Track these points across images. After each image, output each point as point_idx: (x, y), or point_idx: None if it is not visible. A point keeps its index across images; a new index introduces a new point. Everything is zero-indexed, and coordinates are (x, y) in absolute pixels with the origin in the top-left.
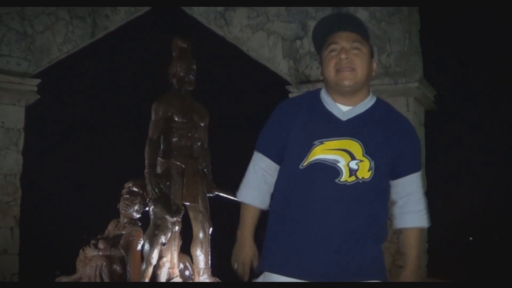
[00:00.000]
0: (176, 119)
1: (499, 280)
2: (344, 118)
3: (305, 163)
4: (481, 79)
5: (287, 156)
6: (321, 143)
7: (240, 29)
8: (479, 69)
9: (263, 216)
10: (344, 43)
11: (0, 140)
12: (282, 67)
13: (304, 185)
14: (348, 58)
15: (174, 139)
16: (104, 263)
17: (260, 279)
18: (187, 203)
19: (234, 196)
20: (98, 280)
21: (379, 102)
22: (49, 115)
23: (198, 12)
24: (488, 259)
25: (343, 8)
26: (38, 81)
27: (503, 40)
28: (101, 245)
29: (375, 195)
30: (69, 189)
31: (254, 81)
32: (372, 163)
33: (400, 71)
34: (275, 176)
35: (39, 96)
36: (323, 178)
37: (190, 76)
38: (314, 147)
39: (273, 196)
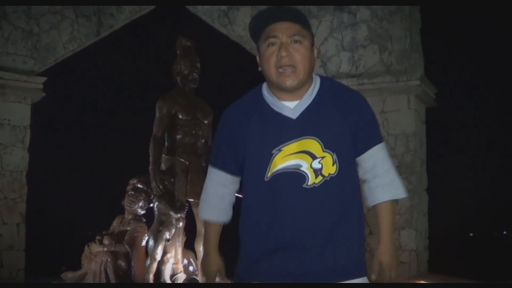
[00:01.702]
0: (180, 116)
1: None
2: (294, 116)
3: (269, 175)
4: (481, 76)
5: (247, 168)
6: (279, 150)
7: (244, 27)
8: (480, 67)
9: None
10: (283, 36)
11: (6, 138)
12: None
13: (273, 198)
14: (288, 55)
15: (178, 136)
16: (109, 259)
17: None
18: (191, 200)
19: (238, 192)
20: (103, 275)
21: (324, 84)
22: (54, 112)
23: (202, 11)
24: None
25: (345, 7)
26: (44, 79)
27: (503, 39)
28: (106, 241)
29: (346, 187)
30: (75, 186)
31: (256, 79)
32: (335, 156)
33: (401, 69)
34: (234, 186)
35: (44, 94)
36: (290, 187)
37: (194, 74)
38: (274, 157)
39: (241, 212)
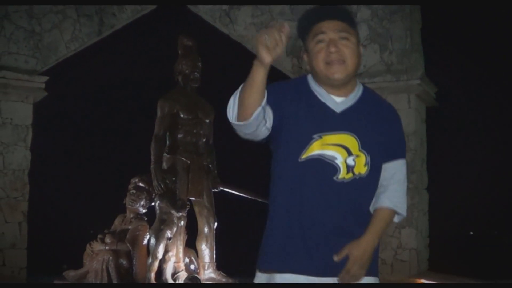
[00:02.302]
0: (182, 115)
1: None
2: (338, 110)
3: (303, 156)
4: (482, 76)
5: (283, 145)
6: (320, 137)
7: (245, 27)
8: (480, 66)
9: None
10: (331, 33)
11: (9, 137)
12: (285, 64)
13: (302, 181)
14: (338, 51)
15: (180, 135)
16: (110, 257)
17: (260, 277)
18: (193, 198)
19: (239, 191)
20: (104, 274)
21: (366, 91)
22: (56, 111)
23: (203, 11)
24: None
25: (346, 7)
26: (45, 78)
27: (504, 38)
28: (107, 240)
29: (371, 190)
30: (76, 185)
31: None
32: (368, 158)
33: (402, 68)
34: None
35: (46, 93)
36: (321, 175)
37: (196, 73)
38: (313, 142)
39: (272, 188)
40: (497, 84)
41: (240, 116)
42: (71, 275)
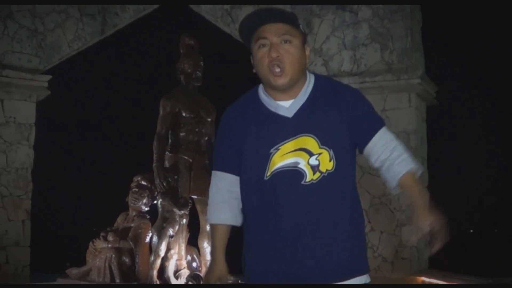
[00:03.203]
0: (184, 114)
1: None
2: (290, 114)
3: (268, 174)
4: (482, 75)
5: (246, 169)
6: (277, 149)
7: None
8: (480, 65)
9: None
10: (273, 37)
11: (12, 135)
12: None
13: (274, 196)
14: (279, 56)
15: (182, 134)
16: (113, 255)
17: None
18: (195, 197)
19: None
20: (107, 271)
21: (318, 82)
22: (59, 110)
23: (205, 10)
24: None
25: (347, 6)
26: (49, 77)
27: (504, 37)
28: (110, 238)
29: (344, 182)
30: (79, 183)
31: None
32: (331, 152)
33: (402, 67)
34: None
35: (49, 92)
36: (289, 184)
37: (197, 72)
38: (272, 156)
39: (244, 213)
40: (497, 83)
41: None
42: (74, 272)
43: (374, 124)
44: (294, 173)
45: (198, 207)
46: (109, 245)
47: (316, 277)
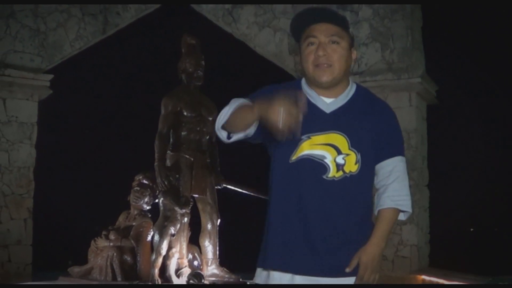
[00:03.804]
0: (185, 113)
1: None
2: (328, 110)
3: (294, 158)
4: (482, 74)
5: (276, 148)
6: (308, 137)
7: (248, 26)
8: (481, 64)
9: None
10: (322, 37)
11: (14, 134)
12: (288, 63)
13: (294, 181)
14: (325, 55)
15: (183, 133)
16: (115, 254)
17: (261, 274)
18: (196, 195)
19: (242, 188)
20: (109, 270)
21: (359, 91)
22: (61, 109)
23: (206, 10)
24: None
25: (348, 6)
26: (51, 76)
27: (504, 36)
28: (112, 236)
29: (363, 188)
30: (81, 182)
31: (261, 76)
32: (359, 156)
33: (403, 67)
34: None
35: (51, 91)
36: (311, 174)
37: (199, 71)
38: (302, 142)
39: (270, 189)
40: (497, 82)
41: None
42: (75, 271)
43: (393, 148)
44: (318, 165)
45: (200, 206)
46: (111, 244)
47: (332, 274)
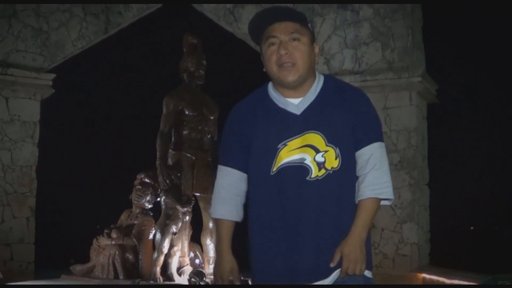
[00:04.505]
0: (187, 112)
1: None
2: (298, 111)
3: (274, 169)
4: (482, 73)
5: (253, 163)
6: (285, 145)
7: None
8: (481, 63)
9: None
10: (282, 35)
11: (16, 133)
12: None
13: (280, 192)
14: (288, 53)
15: (185, 132)
16: (117, 252)
17: None
18: (197, 194)
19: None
20: (111, 268)
21: (327, 83)
22: (63, 108)
23: (208, 9)
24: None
25: (348, 5)
26: (53, 75)
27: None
28: (114, 235)
29: (348, 182)
30: (83, 180)
31: (261, 76)
32: (337, 151)
33: (403, 66)
34: (244, 185)
35: (54, 90)
36: (294, 180)
37: (200, 71)
38: (279, 151)
39: (248, 206)
40: (497, 81)
41: None
42: (78, 269)
43: (368, 135)
44: (300, 168)
45: (201, 204)
46: (113, 242)
47: (318, 272)
